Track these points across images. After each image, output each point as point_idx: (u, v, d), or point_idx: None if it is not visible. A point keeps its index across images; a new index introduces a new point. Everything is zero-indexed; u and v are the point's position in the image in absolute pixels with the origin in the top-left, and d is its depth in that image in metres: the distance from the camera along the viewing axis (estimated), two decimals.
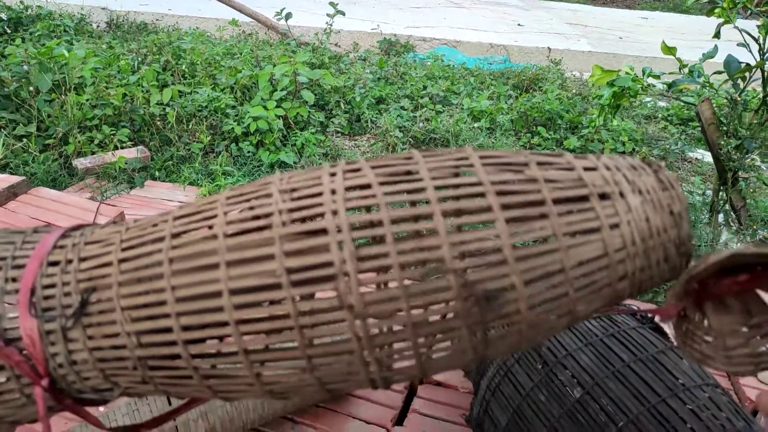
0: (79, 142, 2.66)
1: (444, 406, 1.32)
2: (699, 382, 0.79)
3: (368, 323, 0.34)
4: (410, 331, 0.34)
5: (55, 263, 0.40)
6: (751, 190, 2.90)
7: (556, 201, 0.32)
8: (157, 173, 2.71)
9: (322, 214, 0.34)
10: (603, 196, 0.32)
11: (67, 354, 0.40)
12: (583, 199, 0.32)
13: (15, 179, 1.93)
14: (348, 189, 0.35)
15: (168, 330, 0.36)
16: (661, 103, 4.44)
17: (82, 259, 0.40)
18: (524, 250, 0.32)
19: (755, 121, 2.45)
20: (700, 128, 2.61)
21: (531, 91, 4.35)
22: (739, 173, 2.55)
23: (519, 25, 6.36)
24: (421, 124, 3.56)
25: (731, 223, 2.71)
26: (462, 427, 1.24)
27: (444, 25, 6.07)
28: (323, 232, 0.33)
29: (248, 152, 3.11)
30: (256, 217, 0.35)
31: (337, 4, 4.29)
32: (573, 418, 0.81)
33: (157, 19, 5.37)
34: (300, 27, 5.16)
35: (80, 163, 2.58)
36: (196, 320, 0.35)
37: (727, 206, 2.65)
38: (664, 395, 0.76)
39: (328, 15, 4.34)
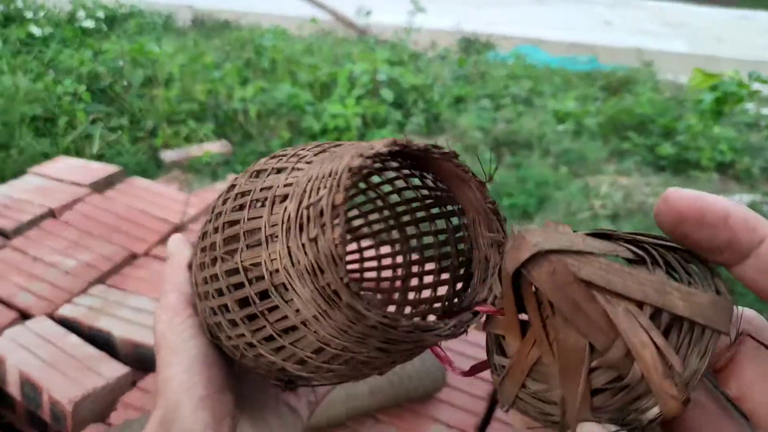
0: (167, 135, 2.73)
1: None
2: None
3: None
4: None
5: None
6: None
7: None
8: (238, 167, 2.74)
9: None
10: None
11: None
12: None
13: (113, 169, 1.99)
14: None
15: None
16: (766, 111, 4.11)
17: None
18: None
19: None
20: None
21: (620, 93, 4.14)
22: None
23: (606, 23, 6.09)
24: (502, 125, 3.45)
25: None
26: None
27: (526, 22, 5.89)
28: None
29: None
30: None
31: (418, 2, 4.24)
32: None
33: (239, 17, 5.49)
34: (378, 24, 5.14)
35: (167, 155, 2.64)
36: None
37: None
38: None
39: (409, 12, 4.29)
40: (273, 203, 0.32)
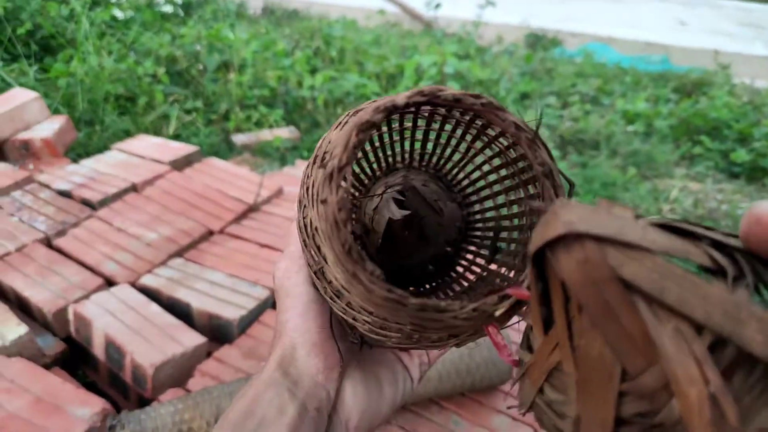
0: (239, 119, 2.81)
1: None
2: None
3: None
4: None
5: None
6: None
7: None
8: (305, 153, 2.80)
9: None
10: None
11: None
12: None
13: (191, 149, 2.08)
14: None
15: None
16: None
17: None
18: None
19: None
20: None
21: (694, 95, 3.99)
22: None
23: (681, 23, 5.86)
24: (569, 123, 3.38)
25: None
26: None
27: (596, 20, 5.74)
28: None
29: None
30: None
31: None
32: None
33: (307, 7, 5.57)
34: (445, 17, 5.11)
35: (238, 138, 2.72)
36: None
37: None
38: None
39: (479, 6, 4.25)
40: (319, 162, 0.32)
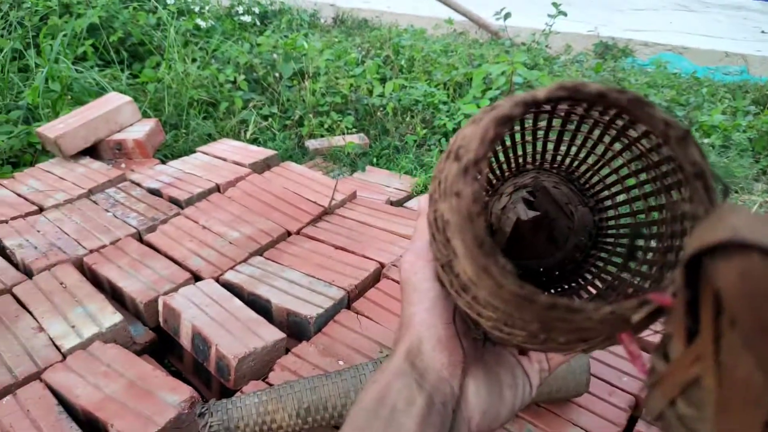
0: (312, 125, 2.90)
1: None
2: None
3: None
4: None
5: None
6: None
7: None
8: (375, 160, 2.86)
9: None
10: None
11: None
12: None
13: (269, 152, 2.17)
14: None
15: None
16: None
17: None
18: None
19: None
20: None
21: None
22: None
23: (762, 32, 5.60)
24: None
25: None
26: None
27: (669, 29, 5.56)
28: None
29: None
30: None
31: (559, 5, 4.15)
32: None
33: (377, 16, 5.67)
34: (513, 27, 5.09)
35: (310, 143, 2.81)
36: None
37: None
38: None
39: (549, 16, 4.21)
40: (453, 156, 0.31)
